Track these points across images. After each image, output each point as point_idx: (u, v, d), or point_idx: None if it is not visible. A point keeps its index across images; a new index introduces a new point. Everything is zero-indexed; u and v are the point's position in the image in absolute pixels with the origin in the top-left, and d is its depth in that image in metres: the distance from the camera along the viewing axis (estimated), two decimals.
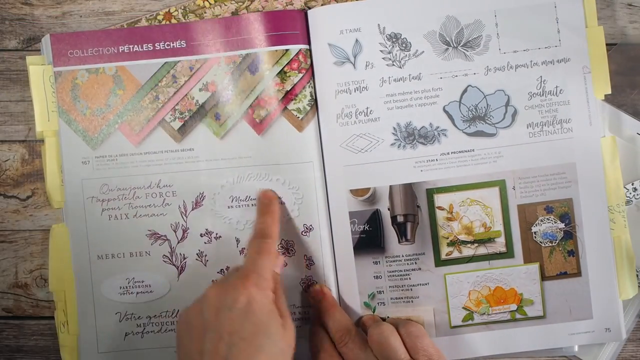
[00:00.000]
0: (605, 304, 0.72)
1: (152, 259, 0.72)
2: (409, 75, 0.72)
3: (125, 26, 0.74)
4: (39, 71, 0.72)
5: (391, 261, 0.72)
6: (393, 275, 0.72)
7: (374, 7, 0.72)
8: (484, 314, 0.72)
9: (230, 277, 0.65)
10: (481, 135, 0.72)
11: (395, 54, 0.72)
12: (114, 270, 0.72)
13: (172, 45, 0.72)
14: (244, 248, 0.72)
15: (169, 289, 0.72)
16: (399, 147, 0.72)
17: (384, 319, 0.73)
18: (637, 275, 0.73)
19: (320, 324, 0.71)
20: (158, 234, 0.72)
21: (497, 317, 0.72)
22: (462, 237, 0.72)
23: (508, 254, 0.72)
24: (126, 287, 0.72)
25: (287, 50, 0.72)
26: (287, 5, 0.74)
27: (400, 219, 0.72)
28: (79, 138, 0.72)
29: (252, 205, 0.72)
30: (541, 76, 0.72)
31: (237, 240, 0.72)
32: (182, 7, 0.74)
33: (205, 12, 0.74)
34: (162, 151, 0.72)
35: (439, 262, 0.72)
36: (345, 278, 0.73)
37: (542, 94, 0.72)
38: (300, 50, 0.72)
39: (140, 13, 0.75)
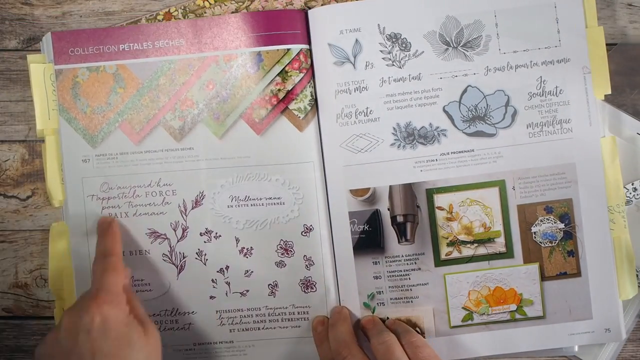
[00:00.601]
0: (605, 304, 0.72)
1: (152, 257, 0.72)
2: (409, 75, 0.72)
3: (126, 26, 0.74)
4: (39, 69, 0.72)
5: (391, 261, 0.72)
6: (393, 276, 0.72)
7: (374, 7, 0.72)
8: (484, 314, 0.72)
9: (81, 300, 0.64)
10: (481, 136, 0.72)
11: (395, 54, 0.72)
12: None
13: (171, 43, 0.72)
14: (244, 247, 0.72)
15: (168, 288, 0.72)
16: (398, 147, 0.72)
17: (383, 320, 0.72)
18: (637, 275, 0.73)
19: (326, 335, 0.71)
20: (158, 232, 0.72)
21: (496, 317, 0.72)
22: (462, 237, 0.72)
23: (508, 254, 0.72)
24: None
25: (288, 49, 0.72)
26: (287, 5, 0.74)
27: (400, 219, 0.72)
28: (79, 136, 0.72)
29: (252, 205, 0.72)
30: (541, 76, 0.72)
31: (237, 240, 0.72)
32: (182, 7, 0.74)
33: (205, 12, 0.74)
34: (162, 150, 0.72)
35: (439, 262, 0.72)
36: (345, 278, 0.73)
37: (542, 94, 0.72)
38: (301, 50, 0.72)
39: (140, 13, 0.75)
